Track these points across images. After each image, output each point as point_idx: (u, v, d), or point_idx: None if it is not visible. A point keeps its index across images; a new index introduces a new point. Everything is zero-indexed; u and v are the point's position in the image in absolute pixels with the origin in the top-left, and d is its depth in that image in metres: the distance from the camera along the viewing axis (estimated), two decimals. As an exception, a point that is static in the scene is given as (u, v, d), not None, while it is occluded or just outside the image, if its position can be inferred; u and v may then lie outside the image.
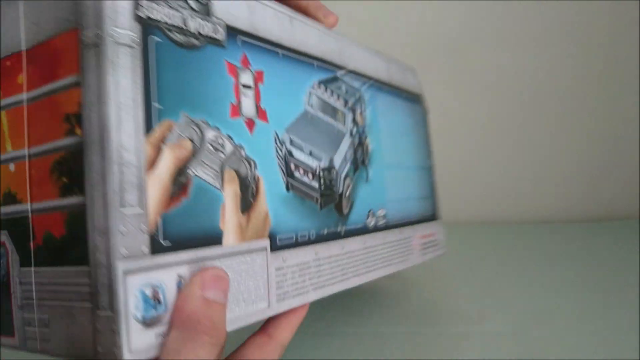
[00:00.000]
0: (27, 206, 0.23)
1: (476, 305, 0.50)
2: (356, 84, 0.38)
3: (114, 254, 0.20)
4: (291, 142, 0.30)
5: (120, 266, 0.20)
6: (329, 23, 0.35)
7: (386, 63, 0.43)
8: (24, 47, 0.23)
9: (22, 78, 0.24)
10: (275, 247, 0.28)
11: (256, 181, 0.27)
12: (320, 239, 0.32)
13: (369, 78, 0.40)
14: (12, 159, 0.24)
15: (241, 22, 0.28)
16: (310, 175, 0.32)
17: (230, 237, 0.25)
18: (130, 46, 0.21)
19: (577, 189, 0.85)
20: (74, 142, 0.21)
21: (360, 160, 0.37)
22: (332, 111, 0.35)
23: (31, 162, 0.23)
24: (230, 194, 0.26)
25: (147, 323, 0.21)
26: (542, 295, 0.48)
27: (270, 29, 0.30)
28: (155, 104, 0.22)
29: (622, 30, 0.82)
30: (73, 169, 0.21)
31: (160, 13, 0.23)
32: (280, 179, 0.29)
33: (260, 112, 0.28)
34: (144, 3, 0.22)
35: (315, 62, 0.33)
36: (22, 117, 0.23)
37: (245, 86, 0.27)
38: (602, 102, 0.84)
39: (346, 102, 0.36)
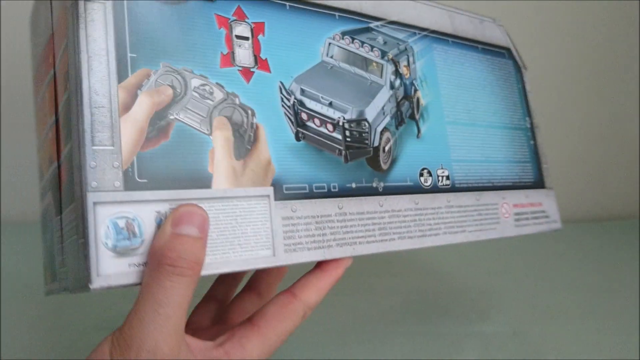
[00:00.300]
0: (56, 164, 0.27)
1: (476, 306, 0.49)
2: (401, 35, 0.35)
3: (84, 187, 0.22)
4: (302, 92, 0.29)
5: (90, 197, 0.22)
6: None
7: (448, 13, 0.39)
8: (50, 31, 0.28)
9: (51, 57, 0.28)
10: (281, 196, 0.27)
11: (255, 129, 0.27)
12: (346, 192, 0.30)
13: (422, 29, 0.37)
14: (49, 127, 0.28)
15: (235, -23, 0.28)
16: (330, 127, 0.30)
17: (221, 181, 0.25)
18: (102, 2, 0.24)
19: (577, 189, 0.84)
20: (66, 97, 0.24)
21: (406, 114, 0.34)
22: (363, 62, 0.33)
23: (56, 126, 0.27)
24: (220, 139, 0.26)
25: (119, 252, 0.22)
26: (542, 295, 0.46)
27: (274, -17, 0.30)
28: (130, 54, 0.24)
29: (622, 30, 0.79)
30: (69, 120, 0.24)
31: (135, -27, 0.25)
32: (288, 128, 0.29)
33: (261, 62, 0.28)
34: (117, -35, 0.24)
35: (337, 14, 0.32)
36: (52, 90, 0.28)
37: (240, 37, 0.28)
38: (602, 102, 0.81)
39: (384, 54, 0.34)
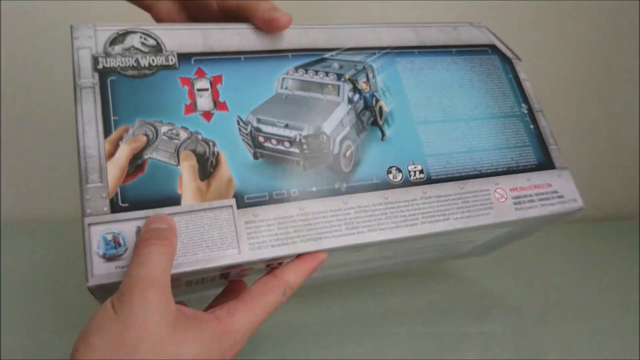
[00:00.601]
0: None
1: (475, 305, 0.49)
2: (358, 57, 0.40)
3: (82, 214, 0.31)
4: (259, 120, 0.36)
5: (86, 220, 0.30)
6: (272, 27, 0.38)
7: (413, 29, 0.43)
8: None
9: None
10: (243, 204, 0.33)
11: (216, 155, 0.34)
12: (307, 195, 0.34)
13: (381, 48, 0.41)
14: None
15: (194, 47, 0.37)
16: (287, 144, 0.36)
17: (188, 199, 0.32)
18: (91, 87, 0.34)
19: (577, 188, 0.68)
20: (79, 157, 0.34)
21: (368, 122, 0.38)
22: (318, 87, 0.38)
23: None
24: (186, 167, 0.33)
25: (108, 258, 0.30)
26: (542, 295, 0.46)
27: (229, 44, 0.38)
28: (113, 117, 0.33)
29: (622, 30, 0.79)
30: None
31: (114, 62, 0.35)
32: (246, 150, 0.35)
33: (219, 105, 0.36)
34: (101, 60, 0.34)
35: (290, 54, 0.39)
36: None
37: (201, 90, 0.36)
38: (602, 101, 0.81)
39: (340, 76, 0.39)
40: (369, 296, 0.49)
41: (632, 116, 0.82)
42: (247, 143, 0.35)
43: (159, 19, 0.42)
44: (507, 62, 0.45)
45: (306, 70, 0.39)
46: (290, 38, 0.39)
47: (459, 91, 0.42)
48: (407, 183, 0.37)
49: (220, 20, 0.39)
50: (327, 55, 0.40)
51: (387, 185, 0.37)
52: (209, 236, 0.32)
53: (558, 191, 0.40)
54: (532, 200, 0.39)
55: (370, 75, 0.40)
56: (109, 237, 0.30)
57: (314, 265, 0.33)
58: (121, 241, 0.31)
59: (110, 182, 0.32)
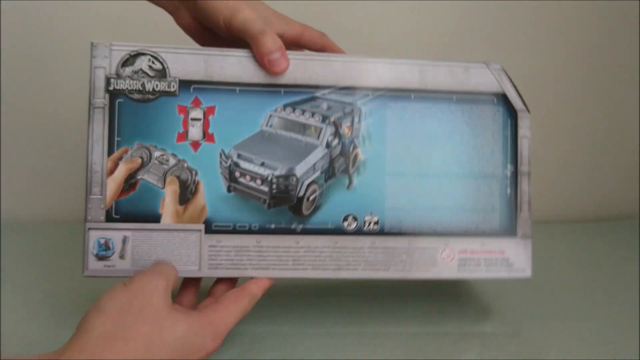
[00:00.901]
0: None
1: (475, 306, 0.50)
2: (350, 98, 0.42)
3: (85, 218, 0.39)
4: (239, 156, 0.41)
5: (87, 225, 0.39)
6: (268, 71, 0.40)
7: (419, 68, 0.42)
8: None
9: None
10: (210, 230, 0.40)
11: (196, 184, 0.40)
12: (265, 231, 0.41)
13: (377, 89, 0.42)
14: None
15: (195, 75, 0.40)
16: (258, 181, 0.41)
17: (167, 219, 0.40)
18: (102, 107, 0.40)
19: (577, 189, 0.85)
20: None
21: (339, 169, 0.42)
22: (301, 127, 0.41)
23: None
24: (169, 191, 0.40)
25: (99, 257, 0.39)
26: (542, 295, 0.46)
27: (228, 73, 0.41)
28: (117, 138, 0.40)
29: (622, 30, 0.81)
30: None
31: (123, 84, 0.40)
32: (222, 183, 0.40)
33: (208, 136, 0.40)
34: (112, 81, 0.40)
35: (283, 89, 0.41)
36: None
37: (194, 119, 0.40)
38: (602, 101, 0.83)
39: (325, 118, 0.41)
40: (369, 296, 0.51)
41: (632, 116, 0.83)
42: (224, 176, 0.41)
43: (179, 24, 0.44)
44: (511, 116, 0.44)
45: (294, 109, 0.41)
46: (288, 70, 0.41)
47: (443, 144, 0.43)
48: (359, 232, 0.42)
49: (227, 37, 0.42)
50: (318, 93, 0.42)
51: (340, 232, 0.41)
52: (178, 252, 0.40)
53: (509, 259, 0.43)
54: (478, 264, 0.43)
55: (356, 120, 0.42)
56: (102, 241, 0.40)
57: (266, 285, 0.40)
58: (110, 245, 0.40)
59: (108, 196, 0.40)
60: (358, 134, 0.42)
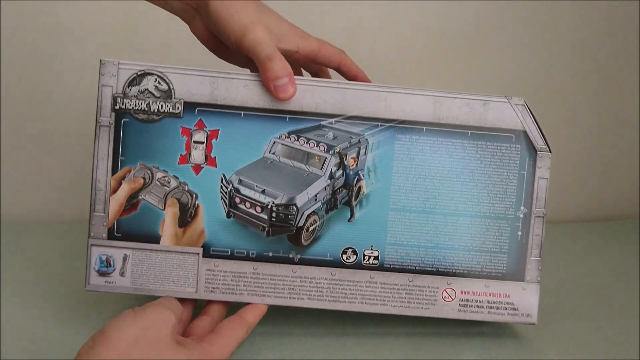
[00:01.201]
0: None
1: None
2: (358, 128, 0.40)
3: (88, 234, 0.40)
4: (240, 181, 0.40)
5: (90, 242, 0.40)
6: (275, 97, 0.39)
7: (434, 100, 0.40)
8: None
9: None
10: (208, 254, 0.40)
11: (196, 207, 0.40)
12: (263, 259, 0.40)
13: (387, 121, 0.40)
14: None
15: (200, 97, 0.40)
16: (258, 209, 0.40)
17: (166, 241, 0.40)
18: (107, 126, 0.40)
19: (577, 189, 0.85)
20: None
21: (341, 200, 0.41)
22: (304, 156, 0.40)
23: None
24: (169, 214, 0.40)
25: (101, 273, 0.40)
26: (542, 295, 0.43)
27: (234, 96, 0.40)
28: (120, 157, 0.40)
29: (622, 30, 0.80)
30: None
31: (129, 104, 0.40)
32: (221, 208, 0.40)
33: (210, 160, 0.40)
34: (119, 100, 0.40)
35: (288, 116, 0.40)
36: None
37: (197, 142, 0.40)
38: (602, 102, 0.82)
39: (330, 148, 0.40)
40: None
41: (633, 116, 0.83)
42: (224, 201, 0.40)
43: (194, 33, 0.44)
44: (530, 155, 0.41)
45: (298, 137, 0.40)
46: (295, 97, 0.40)
47: (452, 182, 0.41)
48: (358, 266, 0.41)
49: (240, 54, 0.41)
50: (325, 122, 0.40)
51: (338, 264, 0.41)
52: (175, 274, 0.40)
53: (514, 303, 0.41)
54: (481, 307, 0.41)
55: (362, 152, 0.40)
56: (103, 258, 0.40)
57: (263, 311, 0.40)
58: (112, 262, 0.40)
59: (111, 214, 0.40)
60: (363, 166, 0.41)
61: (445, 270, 0.41)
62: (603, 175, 0.84)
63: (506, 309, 0.41)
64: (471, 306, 0.41)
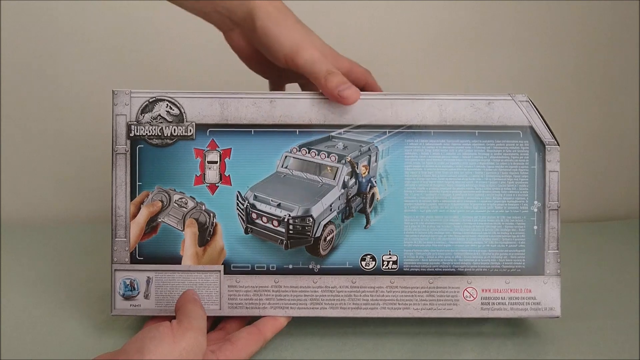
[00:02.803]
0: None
1: None
2: (367, 137, 0.41)
3: (111, 260, 0.41)
4: (255, 197, 0.41)
5: (113, 267, 0.41)
6: (340, 102, 0.40)
7: (438, 103, 0.41)
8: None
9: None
10: (229, 271, 0.41)
11: (214, 226, 0.41)
12: (283, 271, 0.41)
13: (395, 127, 0.41)
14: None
15: (211, 118, 0.41)
16: (275, 223, 0.41)
17: (187, 261, 0.41)
18: (124, 153, 0.41)
19: (577, 189, 0.85)
20: (118, 200, 0.43)
21: (356, 208, 0.41)
22: (316, 168, 0.41)
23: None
24: (189, 234, 0.41)
25: (125, 297, 0.41)
26: None
27: (243, 115, 0.41)
28: (138, 182, 0.41)
29: (622, 30, 0.81)
30: (120, 213, 0.43)
31: (143, 130, 0.41)
32: (239, 225, 0.41)
33: (224, 179, 0.41)
34: (133, 128, 0.41)
35: (297, 130, 0.41)
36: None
37: (210, 162, 0.41)
38: (602, 102, 0.83)
39: (342, 157, 0.41)
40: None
41: (633, 116, 0.83)
42: (241, 218, 0.41)
43: (230, 43, 0.45)
44: (539, 149, 0.42)
45: (309, 150, 0.41)
46: (303, 110, 0.41)
47: (465, 181, 0.41)
48: (377, 271, 0.41)
49: (284, 67, 0.42)
50: (334, 133, 0.41)
51: (358, 272, 0.41)
52: (199, 292, 0.41)
53: (536, 298, 0.42)
54: (503, 303, 0.41)
55: (373, 159, 0.41)
56: (127, 282, 0.41)
57: (281, 325, 0.41)
58: (135, 286, 0.41)
59: (132, 238, 0.41)
60: (375, 173, 0.41)
61: (465, 270, 0.41)
62: (603, 175, 0.84)
63: (528, 304, 0.42)
64: (493, 304, 0.41)
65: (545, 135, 0.42)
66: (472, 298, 0.41)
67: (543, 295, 0.42)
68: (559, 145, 0.42)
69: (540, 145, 0.42)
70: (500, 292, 0.41)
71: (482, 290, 0.41)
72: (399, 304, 0.41)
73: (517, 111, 0.41)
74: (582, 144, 0.83)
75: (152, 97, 0.41)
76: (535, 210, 0.42)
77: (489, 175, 0.41)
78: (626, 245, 0.69)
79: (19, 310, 0.47)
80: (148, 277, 0.41)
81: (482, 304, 0.41)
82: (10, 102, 0.72)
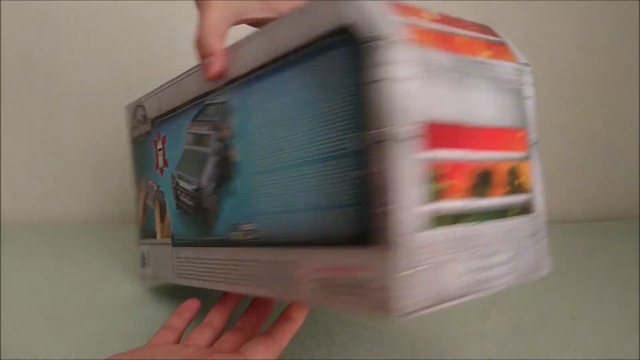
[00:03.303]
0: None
1: (475, 306, 0.48)
2: (223, 97, 0.38)
3: (138, 237, 0.53)
4: (178, 175, 0.44)
5: (137, 241, 0.53)
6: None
7: (272, 32, 0.33)
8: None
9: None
10: (174, 244, 0.46)
11: (165, 205, 0.47)
12: (194, 243, 0.42)
13: (242, 76, 0.36)
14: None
15: (157, 112, 0.47)
16: (188, 197, 0.43)
17: (158, 235, 0.48)
18: (132, 152, 0.53)
19: (577, 189, 0.84)
20: (151, 190, 0.55)
21: (225, 175, 0.38)
22: (201, 139, 0.40)
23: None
24: (156, 212, 0.48)
25: (143, 265, 0.52)
26: (542, 295, 0.45)
27: (169, 102, 0.45)
28: (137, 174, 0.52)
29: (622, 30, 0.83)
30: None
31: (135, 133, 0.51)
32: (173, 201, 0.45)
33: (165, 162, 0.46)
34: (132, 132, 0.52)
35: (190, 105, 0.42)
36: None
37: (159, 149, 0.47)
38: (602, 102, 0.84)
39: (211, 124, 0.39)
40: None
41: (633, 117, 0.85)
42: (174, 195, 0.45)
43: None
44: (356, 53, 0.27)
45: (196, 121, 0.41)
46: (196, 84, 0.41)
47: (297, 123, 0.31)
48: (241, 243, 0.36)
49: None
50: (207, 100, 0.40)
51: (229, 243, 0.38)
52: (163, 262, 0.48)
53: (373, 280, 0.27)
54: (335, 285, 0.29)
55: (229, 119, 0.37)
56: (140, 254, 0.52)
57: (299, 324, 0.38)
58: (145, 257, 0.52)
59: (139, 218, 0.52)
60: (233, 133, 0.37)
61: (303, 241, 0.31)
62: (603, 175, 0.86)
63: (364, 288, 0.27)
64: (333, 287, 0.29)
65: (373, 32, 0.27)
66: (307, 279, 0.31)
67: (381, 274, 0.26)
68: (397, 37, 0.26)
69: (358, 45, 0.27)
70: (334, 271, 0.29)
71: (315, 269, 0.30)
72: (257, 280, 0.35)
73: (333, 9, 0.29)
74: (582, 143, 0.84)
75: (136, 105, 0.51)
76: (358, 147, 0.27)
77: (314, 109, 0.30)
78: (626, 245, 0.68)
79: (19, 310, 0.46)
80: (147, 250, 0.51)
81: (320, 286, 0.30)
82: (11, 102, 0.71)
